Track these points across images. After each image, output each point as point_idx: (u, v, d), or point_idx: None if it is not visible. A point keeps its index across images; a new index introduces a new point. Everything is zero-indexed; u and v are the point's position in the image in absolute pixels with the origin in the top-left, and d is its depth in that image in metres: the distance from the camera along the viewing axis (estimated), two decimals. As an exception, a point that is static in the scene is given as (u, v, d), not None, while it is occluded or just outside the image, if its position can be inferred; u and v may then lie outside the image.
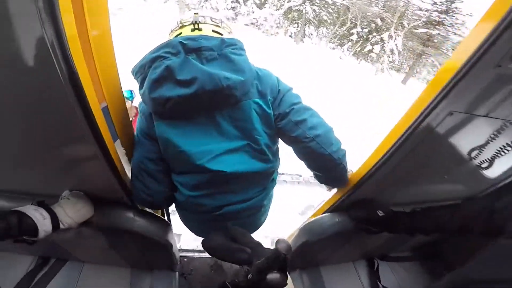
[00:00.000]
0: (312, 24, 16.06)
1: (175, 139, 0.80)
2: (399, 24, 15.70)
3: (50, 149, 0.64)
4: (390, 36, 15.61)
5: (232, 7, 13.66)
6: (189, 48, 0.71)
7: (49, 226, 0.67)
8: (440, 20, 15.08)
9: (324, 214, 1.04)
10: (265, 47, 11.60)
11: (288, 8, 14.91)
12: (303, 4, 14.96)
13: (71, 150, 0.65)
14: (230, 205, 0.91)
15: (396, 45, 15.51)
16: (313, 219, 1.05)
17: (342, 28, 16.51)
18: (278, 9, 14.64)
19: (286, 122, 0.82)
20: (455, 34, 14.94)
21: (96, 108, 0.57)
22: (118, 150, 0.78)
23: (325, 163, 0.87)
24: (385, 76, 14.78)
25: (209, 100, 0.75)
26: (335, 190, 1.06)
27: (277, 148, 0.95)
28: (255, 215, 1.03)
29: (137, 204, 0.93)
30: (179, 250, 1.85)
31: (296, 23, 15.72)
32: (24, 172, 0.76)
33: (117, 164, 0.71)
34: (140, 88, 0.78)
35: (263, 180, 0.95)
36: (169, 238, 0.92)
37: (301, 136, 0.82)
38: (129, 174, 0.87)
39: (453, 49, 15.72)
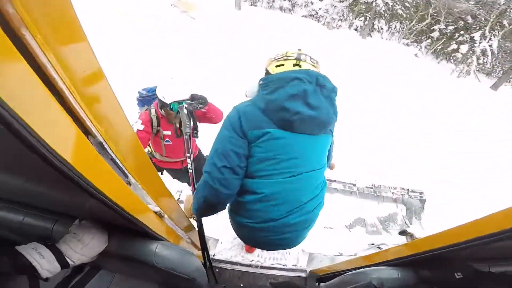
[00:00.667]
0: (383, 18, 14.09)
1: (287, 145, 1.00)
2: (497, 23, 12.89)
3: (47, 186, 0.61)
4: (483, 36, 12.90)
5: (288, -3, 12.83)
6: (319, 83, 0.98)
7: (52, 266, 0.65)
8: (552, 20, 12.05)
9: (380, 267, 0.95)
10: (326, 41, 10.51)
11: (354, 0, 13.39)
12: (373, -4, 13.20)
13: (64, 191, 0.59)
14: (294, 213, 1.08)
15: (490, 45, 12.78)
16: (365, 270, 0.95)
17: (420, 24, 14.18)
18: (342, 1, 13.24)
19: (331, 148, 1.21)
20: None
21: (78, 149, 0.45)
22: (133, 187, 0.70)
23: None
24: (471, 79, 12.34)
25: (316, 125, 1.01)
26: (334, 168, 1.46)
27: None
28: (308, 228, 1.18)
29: (201, 198, 1.02)
30: (212, 259, 1.80)
31: (363, 16, 13.95)
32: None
33: (124, 205, 0.59)
34: (269, 93, 0.98)
35: (321, 192, 1.17)
36: (193, 271, 0.87)
37: (330, 154, 1.23)
38: (152, 207, 0.82)
39: None
